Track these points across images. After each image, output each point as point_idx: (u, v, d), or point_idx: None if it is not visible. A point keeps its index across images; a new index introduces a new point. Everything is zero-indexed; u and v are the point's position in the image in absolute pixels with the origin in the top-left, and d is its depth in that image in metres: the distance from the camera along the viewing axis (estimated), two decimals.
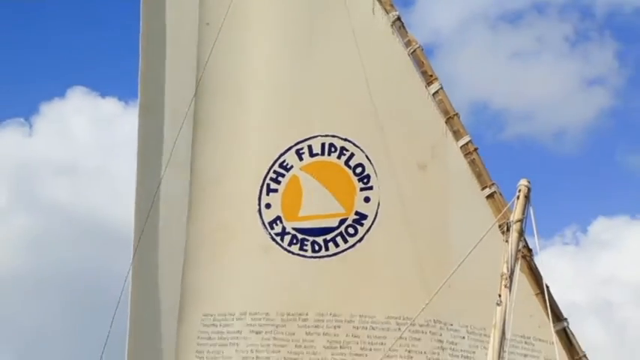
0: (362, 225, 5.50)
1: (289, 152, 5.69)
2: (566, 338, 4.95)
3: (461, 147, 5.23)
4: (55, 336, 19.94)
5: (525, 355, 5.07)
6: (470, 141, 5.24)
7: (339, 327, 5.40)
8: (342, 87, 5.86)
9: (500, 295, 4.05)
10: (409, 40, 5.40)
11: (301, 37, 5.97)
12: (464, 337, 5.21)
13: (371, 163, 5.57)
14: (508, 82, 33.52)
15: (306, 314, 5.46)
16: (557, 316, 4.88)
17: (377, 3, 5.48)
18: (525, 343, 5.07)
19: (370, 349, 5.28)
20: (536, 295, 4.88)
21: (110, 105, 27.83)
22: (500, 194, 5.07)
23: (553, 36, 34.44)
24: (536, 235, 4.65)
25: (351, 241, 5.53)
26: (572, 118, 37.48)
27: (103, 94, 28.14)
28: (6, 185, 23.75)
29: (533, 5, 31.88)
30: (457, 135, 5.26)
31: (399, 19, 5.43)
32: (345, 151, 5.61)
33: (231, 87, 6.01)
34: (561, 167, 31.47)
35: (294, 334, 5.45)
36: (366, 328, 5.37)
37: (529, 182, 4.50)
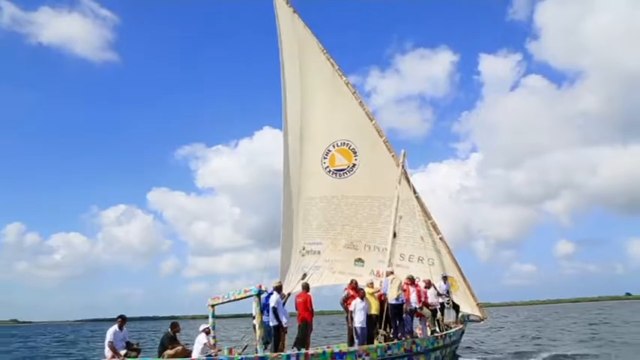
0: (354, 167, 17.39)
1: (331, 144, 17.49)
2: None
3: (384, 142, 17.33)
4: None
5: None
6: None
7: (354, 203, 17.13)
8: (347, 117, 17.53)
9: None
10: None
11: (331, 94, 17.60)
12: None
13: (356, 147, 17.44)
14: None
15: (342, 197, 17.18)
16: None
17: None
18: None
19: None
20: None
21: None
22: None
23: None
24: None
25: (350, 173, 17.41)
26: None
27: None
28: None
29: None
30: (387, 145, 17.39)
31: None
32: (349, 143, 17.49)
33: (310, 116, 17.57)
34: None
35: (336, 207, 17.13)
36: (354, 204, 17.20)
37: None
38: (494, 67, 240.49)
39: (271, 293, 11.81)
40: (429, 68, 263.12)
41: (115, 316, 11.38)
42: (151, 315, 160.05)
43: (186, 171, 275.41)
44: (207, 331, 11.59)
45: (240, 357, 10.36)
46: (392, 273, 13.56)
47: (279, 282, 12.55)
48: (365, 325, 12.34)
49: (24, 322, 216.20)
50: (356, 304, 12.43)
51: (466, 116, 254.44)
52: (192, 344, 11.66)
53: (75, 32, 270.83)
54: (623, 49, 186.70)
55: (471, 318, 16.72)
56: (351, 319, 12.53)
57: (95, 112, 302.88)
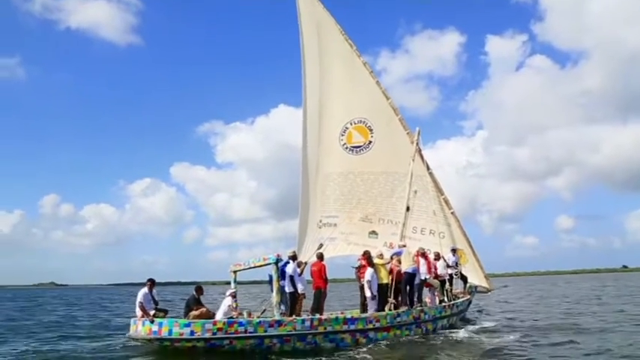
0: (370, 144, 18.01)
1: (348, 122, 18.12)
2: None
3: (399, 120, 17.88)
4: None
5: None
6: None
7: (370, 178, 17.83)
8: (363, 96, 18.08)
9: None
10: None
11: (348, 73, 18.15)
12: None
13: (372, 125, 18.03)
14: None
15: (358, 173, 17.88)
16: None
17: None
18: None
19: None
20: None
21: None
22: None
23: None
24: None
25: (367, 150, 18.03)
26: None
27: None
28: None
29: None
30: (403, 122, 17.92)
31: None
32: (365, 121, 18.08)
33: (328, 95, 18.18)
34: None
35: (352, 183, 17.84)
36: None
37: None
38: (501, 47, 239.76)
39: (288, 262, 12.74)
40: (438, 49, 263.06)
41: (143, 281, 12.47)
42: (174, 280, 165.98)
43: (206, 146, 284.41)
44: (233, 295, 12.54)
45: (258, 320, 11.33)
46: (404, 246, 14.37)
47: (294, 252, 13.48)
48: (377, 294, 13.16)
49: (61, 285, 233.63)
50: (368, 274, 13.24)
51: (472, 95, 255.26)
52: (214, 306, 12.69)
53: (100, 17, 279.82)
54: (626, 29, 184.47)
55: (479, 289, 17.45)
56: (363, 288, 13.36)
57: (121, 91, 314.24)
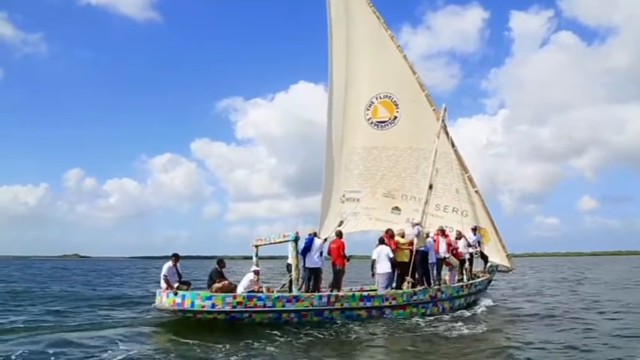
0: (395, 119, 17.89)
1: (374, 96, 17.98)
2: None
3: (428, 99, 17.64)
4: None
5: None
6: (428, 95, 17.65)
7: (394, 154, 17.76)
8: (390, 70, 17.85)
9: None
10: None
11: (375, 46, 17.92)
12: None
13: (398, 100, 17.87)
14: None
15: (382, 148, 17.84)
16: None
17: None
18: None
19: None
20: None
21: None
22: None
23: None
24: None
25: (392, 125, 17.93)
26: None
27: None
28: None
29: None
30: (429, 99, 17.70)
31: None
32: (391, 96, 17.91)
33: (354, 68, 18.02)
34: None
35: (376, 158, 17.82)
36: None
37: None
38: (525, 23, 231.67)
39: (312, 238, 13.03)
40: (460, 25, 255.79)
41: (164, 255, 13.01)
42: (194, 255, 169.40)
43: (227, 122, 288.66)
44: (256, 272, 12.99)
45: (276, 295, 11.74)
46: (419, 224, 14.45)
47: (313, 229, 13.76)
48: (387, 271, 13.33)
49: (85, 257, 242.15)
50: (379, 252, 13.45)
51: (495, 73, 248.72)
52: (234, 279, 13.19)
53: None
54: None
55: (500, 268, 17.47)
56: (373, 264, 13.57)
57: (141, 67, 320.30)
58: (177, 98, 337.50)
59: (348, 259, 13.56)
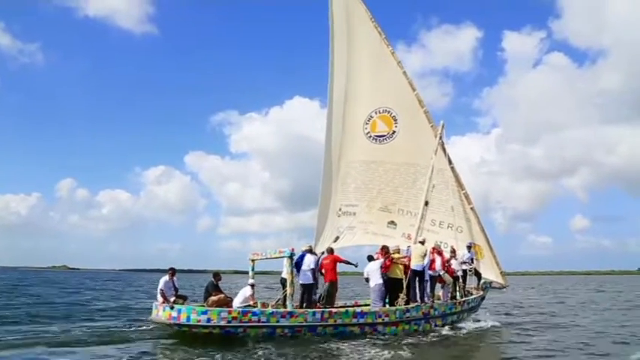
0: (394, 134, 18.06)
1: (373, 110, 18.16)
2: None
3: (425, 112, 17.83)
4: None
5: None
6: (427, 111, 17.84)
7: (392, 169, 17.90)
8: (390, 85, 18.01)
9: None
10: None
11: (376, 61, 18.10)
12: None
13: (397, 115, 18.04)
14: None
15: (380, 162, 17.98)
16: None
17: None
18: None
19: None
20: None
21: None
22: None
23: None
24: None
25: (390, 140, 18.09)
26: None
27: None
28: None
29: None
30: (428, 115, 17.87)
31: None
32: (390, 111, 18.09)
33: (354, 81, 18.20)
34: None
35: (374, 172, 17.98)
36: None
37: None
38: (518, 43, 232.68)
39: (304, 255, 13.26)
40: (454, 44, 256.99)
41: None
42: (186, 268, 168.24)
43: (221, 136, 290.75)
44: (252, 285, 13.21)
45: (271, 310, 11.95)
46: (422, 243, 14.66)
47: (310, 245, 13.97)
48: (378, 282, 13.45)
49: (73, 268, 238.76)
50: (370, 267, 13.65)
51: (488, 92, 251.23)
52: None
53: (117, 6, 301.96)
54: None
55: (493, 285, 17.63)
56: (367, 280, 13.74)
57: (137, 79, 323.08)
58: (172, 111, 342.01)
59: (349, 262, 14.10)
